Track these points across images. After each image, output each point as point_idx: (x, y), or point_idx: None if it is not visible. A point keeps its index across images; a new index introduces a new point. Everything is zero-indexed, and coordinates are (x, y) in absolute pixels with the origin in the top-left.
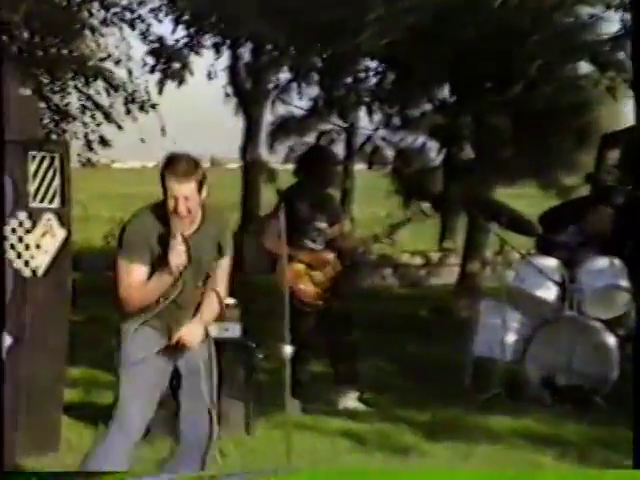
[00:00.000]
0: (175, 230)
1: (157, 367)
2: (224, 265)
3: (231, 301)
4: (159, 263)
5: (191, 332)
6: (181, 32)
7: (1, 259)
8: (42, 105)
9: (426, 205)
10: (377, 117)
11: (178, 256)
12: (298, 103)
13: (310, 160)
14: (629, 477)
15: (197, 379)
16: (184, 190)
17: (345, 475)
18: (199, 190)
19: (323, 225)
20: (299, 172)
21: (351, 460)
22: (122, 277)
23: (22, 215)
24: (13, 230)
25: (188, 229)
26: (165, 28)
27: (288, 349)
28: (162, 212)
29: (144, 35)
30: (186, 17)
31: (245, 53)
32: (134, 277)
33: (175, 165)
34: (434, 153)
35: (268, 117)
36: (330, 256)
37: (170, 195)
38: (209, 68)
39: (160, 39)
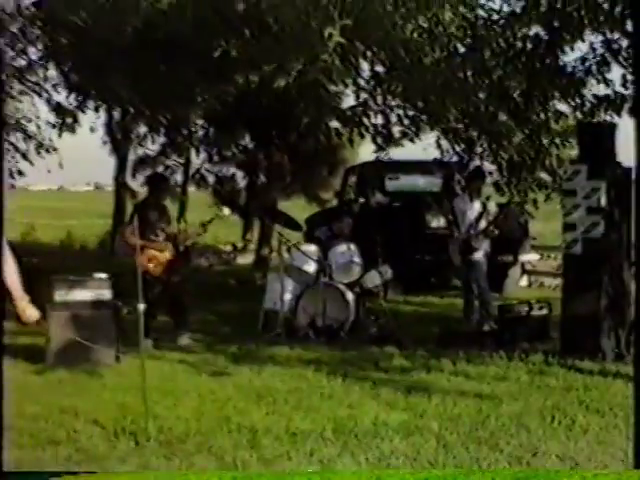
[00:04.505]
0: None
1: None
2: None
3: (103, 275)
4: None
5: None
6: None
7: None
8: None
9: (224, 210)
10: (203, 155)
11: None
12: (151, 147)
13: (151, 183)
14: (629, 477)
15: None
16: None
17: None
18: None
19: (162, 225)
20: (148, 192)
21: (184, 377)
22: None
23: None
24: None
25: None
26: (62, 96)
27: (141, 306)
28: None
29: (48, 101)
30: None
31: (116, 114)
32: None
33: None
34: (240, 179)
35: (132, 156)
36: (168, 245)
37: None
38: (91, 124)
39: (58, 103)
